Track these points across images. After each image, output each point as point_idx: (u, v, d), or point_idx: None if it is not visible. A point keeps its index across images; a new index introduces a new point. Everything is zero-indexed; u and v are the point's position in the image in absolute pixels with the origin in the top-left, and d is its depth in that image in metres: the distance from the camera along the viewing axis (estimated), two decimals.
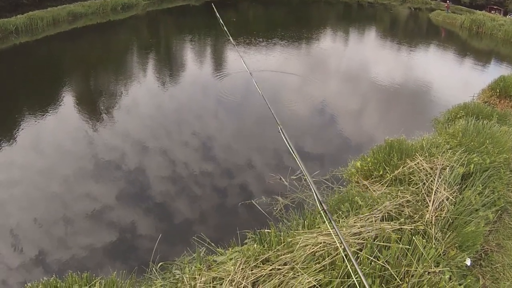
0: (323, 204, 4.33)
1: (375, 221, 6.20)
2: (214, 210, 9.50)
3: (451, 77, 21.04)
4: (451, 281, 5.26)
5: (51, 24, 33.52)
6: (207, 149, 12.55)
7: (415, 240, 5.53)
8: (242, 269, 5.35)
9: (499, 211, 7.89)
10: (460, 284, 5.36)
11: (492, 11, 50.53)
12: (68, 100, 17.26)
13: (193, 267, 6.07)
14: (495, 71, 22.11)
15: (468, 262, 5.97)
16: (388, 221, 6.29)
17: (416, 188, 7.42)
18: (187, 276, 5.66)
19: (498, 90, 15.00)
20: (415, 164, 8.09)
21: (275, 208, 8.69)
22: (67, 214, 9.31)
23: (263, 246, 5.91)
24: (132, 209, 9.55)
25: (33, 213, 9.36)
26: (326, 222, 5.07)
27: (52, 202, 9.79)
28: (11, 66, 24.04)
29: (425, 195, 7.10)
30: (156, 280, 6.26)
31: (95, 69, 23.30)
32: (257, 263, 5.44)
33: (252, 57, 24.51)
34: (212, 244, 6.94)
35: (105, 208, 9.60)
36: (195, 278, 5.58)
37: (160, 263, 6.76)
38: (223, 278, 5.35)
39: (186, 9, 44.36)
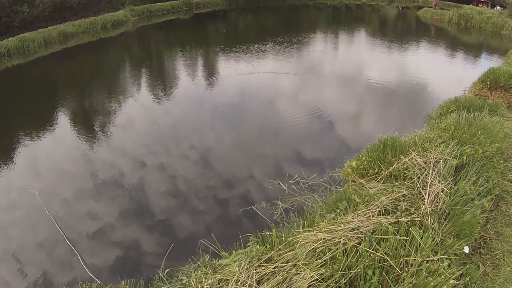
0: None
1: (372, 216, 6.38)
2: (216, 218, 9.68)
3: (442, 73, 21.24)
4: (450, 268, 5.42)
5: (42, 45, 33.70)
6: (205, 159, 12.71)
7: (412, 231, 5.69)
8: (246, 269, 5.52)
9: (495, 200, 8.04)
10: (459, 271, 5.51)
11: (480, 4, 50.80)
12: (64, 119, 17.45)
13: (199, 271, 6.23)
14: (485, 64, 22.31)
15: (466, 249, 6.11)
16: (385, 215, 6.46)
17: (411, 183, 7.58)
18: (194, 280, 5.81)
19: (488, 82, 15.18)
20: (409, 160, 8.26)
21: (275, 212, 8.87)
22: (71, 232, 9.51)
23: (266, 247, 6.08)
24: (137, 220, 9.74)
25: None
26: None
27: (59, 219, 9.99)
28: (4, 88, 24.21)
29: (421, 189, 7.26)
30: (164, 286, 6.41)
31: (89, 87, 23.49)
32: (260, 263, 5.62)
33: (245, 62, 24.83)
34: (217, 249, 7.11)
35: (114, 216, 9.90)
36: (202, 281, 5.73)
37: (167, 270, 6.92)
38: (229, 279, 5.51)
39: (175, 23, 44.60)
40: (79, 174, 12.31)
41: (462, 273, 5.64)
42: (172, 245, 8.00)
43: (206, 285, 5.60)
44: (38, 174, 12.76)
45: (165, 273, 6.87)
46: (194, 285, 5.71)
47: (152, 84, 22.82)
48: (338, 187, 9.16)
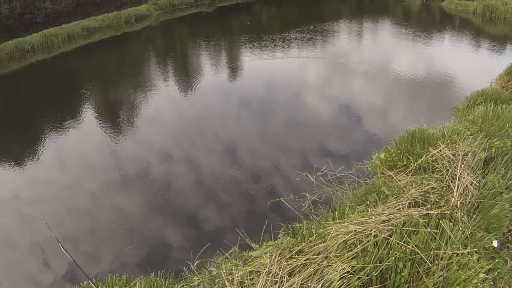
0: None
1: (402, 208, 6.37)
2: (244, 210, 9.78)
3: (468, 65, 20.94)
4: (479, 262, 5.40)
5: (66, 41, 34.03)
6: (232, 150, 12.82)
7: (442, 224, 5.68)
8: (278, 261, 5.57)
9: None
10: (488, 265, 5.49)
11: None
12: (89, 113, 17.64)
13: (229, 263, 6.30)
14: (511, 56, 22.02)
15: (495, 243, 6.08)
16: (415, 207, 6.45)
17: (440, 175, 7.55)
18: (224, 271, 5.87)
19: None
20: (437, 152, 8.23)
21: (303, 205, 8.91)
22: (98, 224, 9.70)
23: (296, 239, 6.12)
24: (165, 212, 9.86)
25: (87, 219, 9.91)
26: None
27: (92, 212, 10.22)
28: (30, 83, 24.57)
29: (449, 181, 7.23)
30: (194, 277, 6.49)
31: (114, 81, 23.70)
32: (291, 255, 5.66)
33: (270, 54, 24.93)
34: (245, 240, 7.18)
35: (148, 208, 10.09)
36: (232, 273, 5.79)
37: (197, 262, 7.00)
38: (260, 271, 5.56)
39: (199, 17, 44.62)
40: (105, 167, 12.51)
41: (490, 268, 5.61)
42: (208, 243, 8.02)
43: (237, 276, 5.65)
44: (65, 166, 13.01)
45: (195, 265, 6.95)
46: (225, 276, 5.76)
47: (177, 76, 23.01)
48: (367, 179, 9.17)
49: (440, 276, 4.99)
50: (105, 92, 21.55)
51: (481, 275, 5.09)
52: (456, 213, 6.29)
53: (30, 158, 13.75)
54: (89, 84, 22.87)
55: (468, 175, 7.29)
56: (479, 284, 4.98)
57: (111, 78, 24.53)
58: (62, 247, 8.49)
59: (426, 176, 7.65)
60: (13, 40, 31.40)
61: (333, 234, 5.80)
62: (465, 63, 21.40)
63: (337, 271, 5.06)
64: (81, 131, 15.79)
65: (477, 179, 7.25)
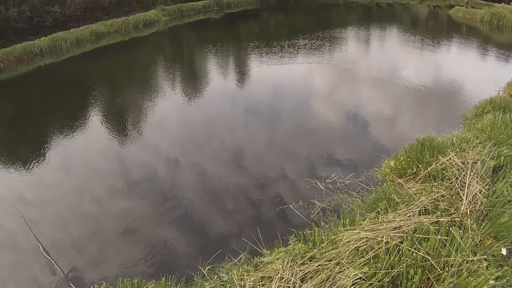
0: None
1: (413, 215, 6.43)
2: (253, 216, 9.84)
3: (475, 73, 20.96)
4: (488, 269, 5.45)
5: (74, 45, 34.28)
6: (240, 157, 12.91)
7: (452, 231, 5.73)
8: (290, 266, 5.64)
9: None
10: (497, 272, 5.53)
11: None
12: (97, 117, 17.76)
13: (240, 268, 6.36)
14: None
15: (504, 251, 6.12)
16: (425, 215, 6.51)
17: (449, 183, 7.60)
18: (236, 277, 5.93)
19: None
20: (447, 160, 8.28)
21: (312, 212, 8.97)
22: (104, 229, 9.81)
23: (308, 245, 6.19)
24: (174, 217, 9.91)
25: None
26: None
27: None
28: (38, 86, 24.73)
29: (459, 189, 7.28)
30: (205, 283, 6.55)
31: (122, 86, 23.81)
32: (303, 261, 5.73)
33: (278, 60, 25.05)
34: (256, 246, 7.24)
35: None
36: (244, 278, 5.85)
37: (207, 267, 7.06)
38: (272, 277, 5.63)
39: (207, 23, 44.85)
40: (112, 171, 12.60)
41: (498, 275, 5.66)
42: (219, 249, 8.06)
43: (249, 282, 5.71)
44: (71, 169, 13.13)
45: (205, 270, 7.01)
46: (237, 282, 5.81)
47: (185, 81, 23.15)
48: (377, 186, 9.21)
49: (451, 282, 5.04)
50: (113, 97, 21.65)
51: (491, 282, 5.13)
52: (466, 220, 6.34)
53: (36, 160, 13.83)
54: (97, 89, 23.02)
55: (477, 183, 7.34)
56: None
57: (119, 83, 24.66)
58: (42, 246, 8.49)
59: (436, 184, 7.70)
60: (21, 44, 31.64)
61: (344, 241, 5.87)
62: (473, 71, 21.43)
63: (349, 277, 5.13)
64: (88, 135, 15.85)
65: (486, 187, 7.30)
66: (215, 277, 6.65)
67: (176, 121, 16.77)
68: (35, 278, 8.33)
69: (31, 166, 13.41)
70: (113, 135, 15.69)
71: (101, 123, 17.10)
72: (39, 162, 13.76)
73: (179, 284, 6.48)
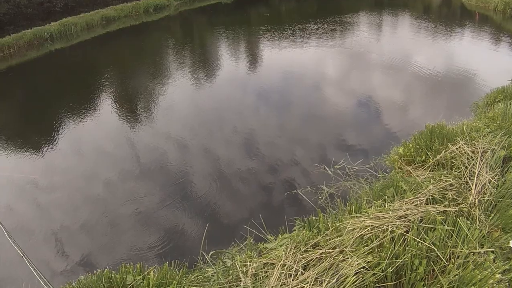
0: None
1: (420, 204, 6.31)
2: (260, 201, 9.79)
3: (487, 62, 20.64)
4: (495, 262, 5.33)
5: (85, 29, 34.25)
6: (250, 142, 12.88)
7: (460, 222, 5.61)
8: (293, 253, 5.56)
9: None
10: (504, 265, 5.41)
11: None
12: (108, 101, 17.81)
13: (243, 254, 6.30)
14: None
15: (511, 244, 6.01)
16: (432, 204, 6.40)
17: (458, 172, 7.46)
18: (239, 263, 5.87)
19: None
20: (456, 148, 8.14)
21: (320, 197, 8.89)
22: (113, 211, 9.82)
23: (312, 232, 6.10)
24: (180, 201, 9.91)
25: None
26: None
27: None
28: (48, 72, 24.76)
29: (468, 179, 7.14)
30: (208, 268, 6.50)
31: (132, 70, 23.76)
32: (307, 248, 5.65)
33: (289, 45, 24.89)
34: (261, 232, 7.17)
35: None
36: (247, 264, 5.79)
37: (211, 252, 7.01)
38: (275, 263, 5.56)
39: (218, 8, 44.61)
40: (123, 155, 12.64)
41: (506, 269, 5.54)
42: (223, 234, 8.09)
43: (252, 268, 5.65)
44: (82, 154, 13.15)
45: (209, 255, 6.95)
46: (239, 268, 5.76)
47: (195, 66, 23.02)
48: (385, 173, 9.12)
49: (456, 275, 4.93)
50: (124, 81, 21.68)
51: (497, 275, 5.01)
52: (474, 211, 6.21)
53: (47, 143, 13.91)
54: (108, 73, 23.03)
55: (486, 173, 7.20)
56: (495, 285, 4.89)
57: (129, 68, 24.62)
58: (9, 238, 8.45)
59: (445, 172, 7.57)
60: (31, 29, 31.72)
61: (349, 228, 5.78)
62: (485, 59, 21.08)
63: (352, 266, 5.04)
64: (99, 119, 15.95)
65: (495, 178, 7.16)
66: (219, 263, 6.60)
67: (187, 104, 16.79)
68: None
69: (42, 150, 13.49)
70: (124, 118, 15.74)
71: (111, 106, 17.14)
72: (51, 145, 13.84)
73: (182, 269, 6.41)
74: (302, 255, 5.51)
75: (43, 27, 32.25)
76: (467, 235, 5.49)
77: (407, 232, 5.59)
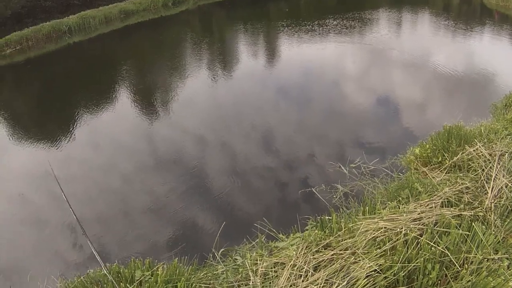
0: None
1: (435, 207, 6.22)
2: (273, 198, 9.77)
3: (507, 62, 20.34)
4: (509, 269, 5.23)
5: (103, 23, 34.38)
6: (266, 138, 12.88)
7: (475, 227, 5.51)
8: (304, 254, 5.51)
9: None
10: None
11: None
12: (126, 94, 17.91)
13: (254, 253, 6.27)
14: None
15: None
16: (447, 207, 6.30)
17: (475, 175, 7.35)
18: (249, 261, 5.84)
19: None
20: (473, 150, 8.02)
21: (334, 196, 8.82)
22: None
23: (324, 232, 6.05)
24: (194, 197, 9.91)
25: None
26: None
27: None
28: (67, 64, 24.93)
29: (484, 182, 7.03)
30: (218, 265, 6.48)
31: (151, 64, 23.85)
32: (318, 248, 5.60)
33: (309, 40, 24.80)
34: (273, 230, 7.13)
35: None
36: (257, 263, 5.76)
37: (222, 250, 6.99)
38: (285, 263, 5.52)
39: (237, 2, 44.52)
40: (139, 148, 12.69)
41: None
42: (224, 223, 8.02)
43: (261, 267, 5.62)
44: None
45: (219, 253, 6.94)
46: (249, 267, 5.73)
47: (214, 60, 23.00)
48: (400, 174, 9.02)
49: (469, 281, 4.84)
50: (142, 75, 21.74)
51: (511, 283, 4.91)
52: (490, 215, 6.10)
53: (65, 135, 14.05)
54: (126, 66, 23.12)
55: (503, 176, 7.07)
56: None
57: (148, 61, 24.70)
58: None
59: (461, 175, 7.46)
60: (50, 22, 31.90)
61: (362, 230, 5.71)
62: (505, 59, 20.76)
63: (363, 269, 4.98)
64: (117, 111, 16.07)
65: None
66: (229, 260, 6.58)
67: (205, 98, 16.83)
68: None
69: (60, 141, 13.62)
70: (142, 112, 15.79)
71: (130, 99, 17.22)
72: (68, 136, 13.97)
73: (191, 266, 6.40)
74: (313, 255, 5.46)
75: (62, 20, 32.43)
76: (481, 240, 5.39)
77: (420, 235, 5.50)
